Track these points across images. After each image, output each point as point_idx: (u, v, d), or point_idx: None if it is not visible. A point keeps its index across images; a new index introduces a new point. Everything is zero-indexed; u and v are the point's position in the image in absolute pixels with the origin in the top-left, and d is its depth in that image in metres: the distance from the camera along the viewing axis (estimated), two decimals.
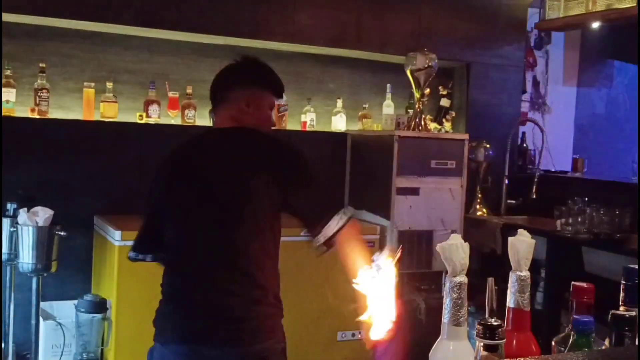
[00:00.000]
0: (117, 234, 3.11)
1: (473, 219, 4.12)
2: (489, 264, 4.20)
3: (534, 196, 4.26)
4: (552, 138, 4.62)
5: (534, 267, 3.85)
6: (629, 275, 1.26)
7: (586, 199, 3.98)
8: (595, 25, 4.38)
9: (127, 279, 3.11)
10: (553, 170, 4.57)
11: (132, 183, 3.65)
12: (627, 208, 3.89)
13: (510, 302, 1.19)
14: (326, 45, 4.06)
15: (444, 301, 1.09)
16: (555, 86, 4.94)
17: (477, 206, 4.30)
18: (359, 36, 4.13)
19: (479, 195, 4.31)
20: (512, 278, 1.20)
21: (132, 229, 3.14)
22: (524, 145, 4.64)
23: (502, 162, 4.43)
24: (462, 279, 1.08)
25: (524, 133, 4.67)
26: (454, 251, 1.08)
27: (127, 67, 3.81)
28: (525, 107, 4.79)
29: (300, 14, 3.96)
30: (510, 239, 1.25)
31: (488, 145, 4.28)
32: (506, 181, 4.44)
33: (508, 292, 1.22)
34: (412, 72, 3.83)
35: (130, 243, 3.06)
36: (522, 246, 1.22)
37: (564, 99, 5.00)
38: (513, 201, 4.42)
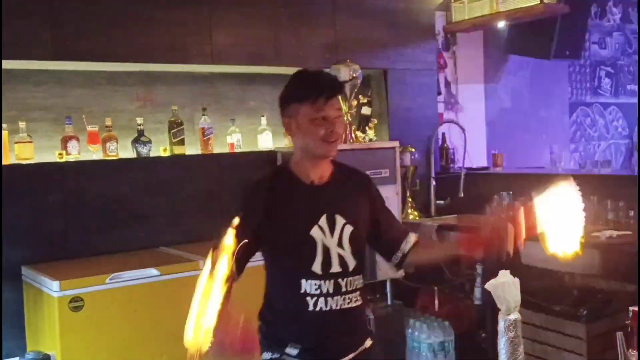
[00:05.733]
0: (55, 285, 2.91)
1: (408, 223, 4.17)
2: (426, 267, 4.27)
3: (462, 195, 4.36)
4: (467, 135, 4.75)
5: (471, 264, 3.92)
6: None
7: (511, 192, 4.13)
8: (501, 24, 4.55)
9: (70, 331, 2.93)
10: (474, 167, 4.70)
11: (59, 227, 3.46)
12: None
13: None
14: (245, 64, 3.99)
15: (498, 341, 1.07)
16: (464, 85, 5.08)
17: (409, 210, 4.36)
18: (277, 52, 4.09)
19: (410, 200, 4.37)
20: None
21: (69, 277, 2.99)
22: (445, 145, 4.74)
23: (427, 164, 4.52)
24: (517, 316, 1.06)
25: (443, 134, 4.78)
26: (507, 289, 1.06)
27: (39, 103, 3.58)
28: (440, 108, 4.90)
29: (216, 34, 3.87)
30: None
31: (413, 149, 4.35)
32: (433, 183, 4.52)
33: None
34: None
35: (70, 292, 2.92)
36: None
37: (473, 97, 5.15)
38: (442, 202, 4.51)
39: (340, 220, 2.09)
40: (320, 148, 2.06)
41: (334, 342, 2.10)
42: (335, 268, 2.07)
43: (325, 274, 2.06)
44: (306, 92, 2.05)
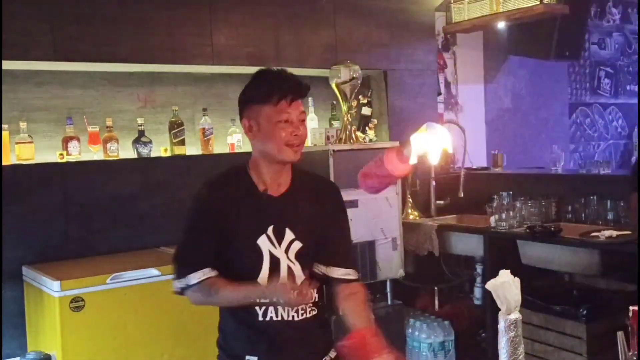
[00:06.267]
0: (56, 285, 2.91)
1: (408, 223, 4.17)
2: (426, 267, 4.28)
3: (461, 195, 4.36)
4: (467, 136, 4.75)
5: (471, 264, 3.95)
6: None
7: (511, 192, 4.14)
8: (501, 25, 4.56)
9: (71, 331, 2.93)
10: (474, 167, 4.70)
11: (60, 227, 3.46)
12: (551, 198, 4.07)
13: None
14: (246, 64, 4.00)
15: (498, 341, 1.08)
16: (464, 85, 5.09)
17: (409, 210, 4.37)
18: (277, 52, 4.10)
19: (410, 200, 4.38)
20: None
21: (70, 277, 3.00)
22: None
23: (427, 165, 4.51)
24: (517, 316, 1.07)
25: None
26: (507, 288, 1.07)
27: (40, 104, 3.59)
28: (440, 108, 4.90)
29: (217, 35, 3.88)
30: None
31: None
32: (433, 183, 4.53)
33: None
34: (337, 85, 3.82)
35: (71, 293, 2.93)
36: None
37: (473, 97, 5.16)
38: (441, 202, 4.52)
39: (289, 235, 1.99)
40: (283, 153, 1.96)
41: (290, 354, 2.01)
42: (283, 280, 1.94)
43: None
44: (269, 93, 1.94)
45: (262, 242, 1.98)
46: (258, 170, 2.03)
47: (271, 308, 1.98)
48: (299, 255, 2.01)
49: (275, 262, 1.98)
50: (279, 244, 1.99)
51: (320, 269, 2.07)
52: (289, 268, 1.99)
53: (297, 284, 1.95)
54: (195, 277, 1.95)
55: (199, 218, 2.02)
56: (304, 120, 2.00)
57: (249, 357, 2.00)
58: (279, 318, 1.99)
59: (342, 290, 2.06)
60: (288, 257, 2.00)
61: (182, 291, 2.01)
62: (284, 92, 1.94)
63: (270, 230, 1.98)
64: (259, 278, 1.97)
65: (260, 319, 1.99)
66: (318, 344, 2.08)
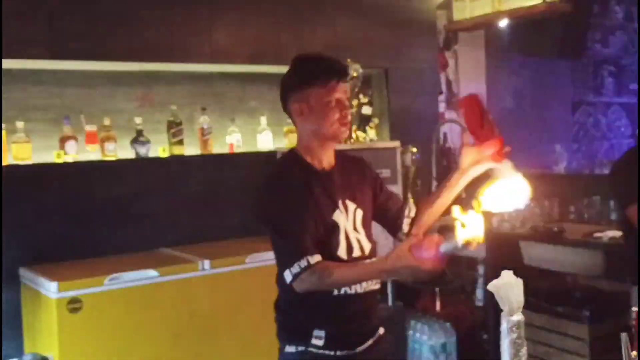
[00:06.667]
0: (53, 286, 2.88)
1: None
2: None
3: (464, 195, 4.32)
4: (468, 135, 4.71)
5: (473, 265, 3.91)
6: None
7: None
8: (503, 23, 4.52)
9: (68, 332, 2.90)
10: None
11: (57, 228, 3.43)
12: (554, 198, 4.04)
13: None
14: (245, 63, 3.97)
15: (501, 343, 1.04)
16: (466, 84, 5.05)
17: None
18: (277, 52, 4.07)
19: (411, 200, 4.33)
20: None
21: (68, 278, 2.97)
22: (447, 145, 4.71)
23: (429, 164, 4.48)
24: (520, 317, 1.03)
25: (445, 133, 4.75)
26: (509, 289, 1.03)
27: (37, 103, 3.55)
28: (441, 107, 4.87)
29: (216, 34, 3.85)
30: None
31: (415, 150, 4.31)
32: (434, 183, 4.49)
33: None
34: None
35: (68, 294, 2.90)
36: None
37: None
38: None
39: (351, 205, 2.10)
40: (336, 130, 2.06)
41: (356, 326, 2.10)
42: (357, 252, 2.08)
43: (350, 258, 2.06)
44: (318, 75, 2.03)
45: (337, 216, 2.07)
46: (311, 151, 2.12)
47: None
48: (363, 224, 2.13)
49: (347, 235, 2.08)
50: (347, 217, 2.09)
51: (401, 218, 2.20)
52: (357, 240, 2.09)
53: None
54: (314, 258, 1.96)
55: (291, 203, 2.04)
56: (349, 100, 2.13)
57: (317, 332, 2.06)
58: (353, 292, 2.06)
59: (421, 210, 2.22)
60: (355, 227, 2.10)
61: (296, 276, 1.98)
62: (331, 73, 2.03)
63: (339, 204, 2.09)
64: (339, 251, 2.05)
65: (335, 293, 2.04)
66: (377, 317, 2.19)
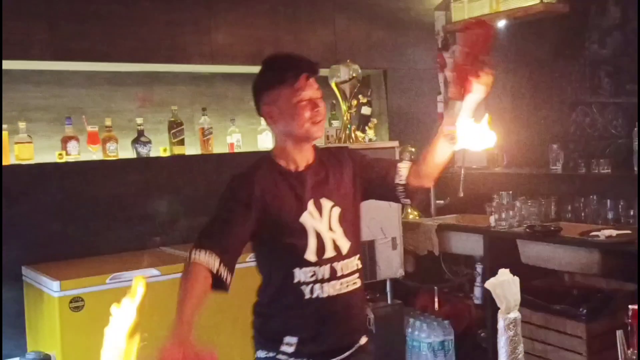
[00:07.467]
0: (55, 285, 2.91)
1: (408, 223, 4.17)
2: (426, 267, 4.28)
3: (461, 194, 4.35)
4: None
5: (471, 263, 3.94)
6: None
7: (511, 192, 4.13)
8: (501, 24, 4.55)
9: (71, 331, 2.93)
10: (474, 167, 4.69)
11: (59, 227, 3.46)
12: (551, 197, 4.07)
13: None
14: (245, 64, 3.99)
15: (498, 340, 1.07)
16: None
17: (409, 210, 4.36)
18: (276, 52, 4.08)
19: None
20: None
21: (70, 277, 2.99)
22: None
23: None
24: (516, 315, 1.07)
25: None
26: (506, 287, 1.06)
27: (39, 104, 3.58)
28: (440, 107, 4.89)
29: (216, 34, 3.88)
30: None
31: (413, 149, 4.34)
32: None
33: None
34: (337, 85, 3.82)
35: (70, 293, 2.92)
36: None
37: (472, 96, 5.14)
38: (441, 201, 4.51)
39: (327, 204, 2.05)
40: (309, 130, 2.01)
41: (332, 330, 2.04)
42: (330, 252, 2.02)
43: (320, 260, 2.01)
44: (284, 74, 1.98)
45: (305, 218, 2.02)
46: (285, 153, 2.08)
47: (317, 285, 2.01)
48: (341, 221, 2.06)
49: (319, 236, 2.02)
50: (320, 215, 2.04)
51: (397, 184, 2.12)
52: (332, 240, 2.04)
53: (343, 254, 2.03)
54: (198, 256, 1.91)
55: (228, 204, 2.01)
56: (321, 97, 2.04)
57: (289, 338, 2.03)
58: (325, 295, 2.02)
59: (414, 168, 2.16)
60: (331, 227, 2.04)
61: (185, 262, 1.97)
62: (298, 72, 1.98)
63: (310, 205, 2.03)
64: (306, 254, 2.00)
65: (307, 297, 2.01)
66: (357, 321, 2.13)
